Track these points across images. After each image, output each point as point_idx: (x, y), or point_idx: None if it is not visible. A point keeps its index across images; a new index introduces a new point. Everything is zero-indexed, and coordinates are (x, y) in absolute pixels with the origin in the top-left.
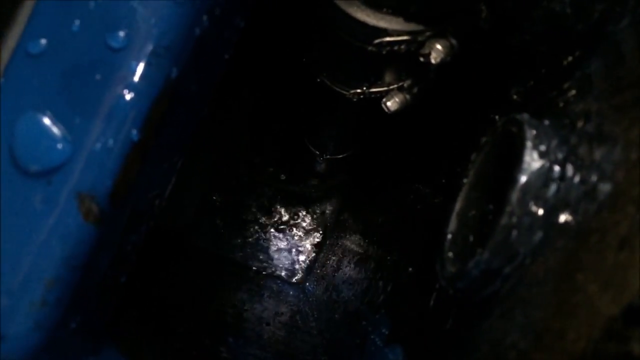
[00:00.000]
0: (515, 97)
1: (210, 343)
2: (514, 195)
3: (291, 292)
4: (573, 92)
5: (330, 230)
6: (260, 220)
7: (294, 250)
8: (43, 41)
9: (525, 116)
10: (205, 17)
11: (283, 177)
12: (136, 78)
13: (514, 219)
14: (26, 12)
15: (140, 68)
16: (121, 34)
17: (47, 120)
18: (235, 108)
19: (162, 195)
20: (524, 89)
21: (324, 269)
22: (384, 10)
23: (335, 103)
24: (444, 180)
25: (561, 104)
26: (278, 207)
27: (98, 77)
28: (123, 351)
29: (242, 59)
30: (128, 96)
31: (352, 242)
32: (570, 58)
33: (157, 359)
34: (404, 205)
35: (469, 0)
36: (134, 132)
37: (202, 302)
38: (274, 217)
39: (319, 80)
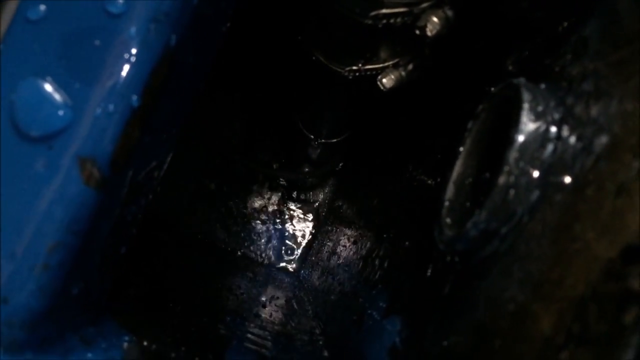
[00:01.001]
0: (510, 67)
1: (208, 321)
2: (511, 155)
3: (286, 280)
4: (569, 56)
5: (325, 217)
6: (254, 208)
7: (288, 238)
8: (42, 7)
9: (522, 80)
10: None
11: (276, 165)
12: (135, 44)
13: (512, 179)
14: None
15: (140, 34)
16: (120, 1)
17: (47, 86)
18: (229, 91)
19: (161, 168)
20: (519, 59)
21: (319, 255)
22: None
23: (330, 82)
24: (439, 157)
25: (557, 69)
26: (272, 194)
27: (97, 43)
28: (121, 324)
29: (235, 39)
30: (128, 62)
31: (346, 226)
32: (565, 23)
33: (155, 333)
34: (399, 185)
35: None
36: (134, 97)
37: (198, 285)
38: (268, 205)
39: (314, 58)
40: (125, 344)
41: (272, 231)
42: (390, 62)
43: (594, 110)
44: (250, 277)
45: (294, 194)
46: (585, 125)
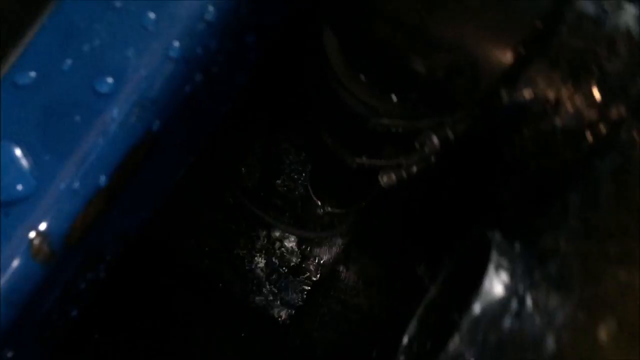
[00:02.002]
0: (501, 198)
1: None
2: (465, 323)
3: (271, 337)
4: (549, 220)
5: (324, 279)
6: (253, 255)
7: (281, 293)
8: (32, 74)
9: (496, 237)
10: (199, 75)
11: (281, 217)
12: (115, 125)
13: (462, 347)
14: (21, 43)
15: (121, 116)
16: (109, 80)
17: (18, 151)
18: (243, 143)
19: (129, 235)
20: (510, 196)
21: (308, 318)
22: (385, 92)
23: (336, 163)
24: (440, 251)
25: (536, 229)
26: (275, 245)
27: (77, 118)
28: None
29: (248, 105)
30: (103, 142)
31: (344, 294)
32: (555, 183)
33: None
34: (400, 268)
35: (468, 100)
36: (102, 178)
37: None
38: (270, 255)
39: (322, 139)
40: None
41: (266, 284)
42: (393, 162)
43: (552, 302)
44: (234, 326)
45: (296, 250)
46: (542, 315)
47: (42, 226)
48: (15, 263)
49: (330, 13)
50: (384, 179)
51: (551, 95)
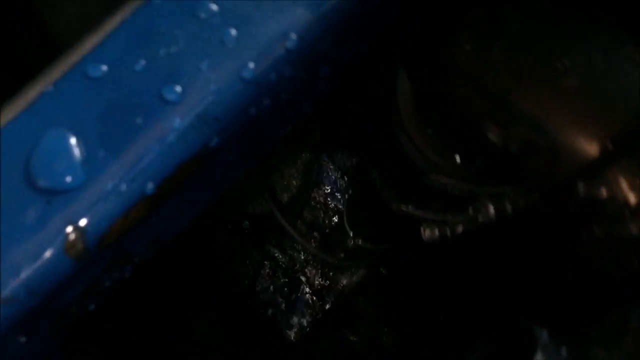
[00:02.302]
0: (551, 290)
1: None
2: None
3: (276, 352)
4: (604, 333)
5: (338, 305)
6: (273, 270)
7: (293, 311)
8: (104, 67)
9: (543, 335)
10: (267, 100)
11: (315, 236)
12: (173, 135)
13: None
14: (99, 35)
15: (182, 127)
16: (178, 89)
17: (73, 142)
18: (288, 154)
19: (162, 241)
20: (563, 291)
21: (316, 340)
22: (450, 150)
23: (379, 203)
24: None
25: (588, 338)
26: (296, 263)
27: (139, 120)
28: None
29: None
30: (158, 149)
31: (355, 323)
32: (617, 293)
33: None
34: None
35: (537, 181)
36: (150, 185)
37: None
38: (289, 273)
39: (370, 175)
40: None
41: (280, 295)
42: (440, 217)
43: None
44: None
45: (317, 270)
46: None
47: (82, 222)
48: (47, 253)
49: (410, 58)
50: (426, 232)
51: (633, 199)
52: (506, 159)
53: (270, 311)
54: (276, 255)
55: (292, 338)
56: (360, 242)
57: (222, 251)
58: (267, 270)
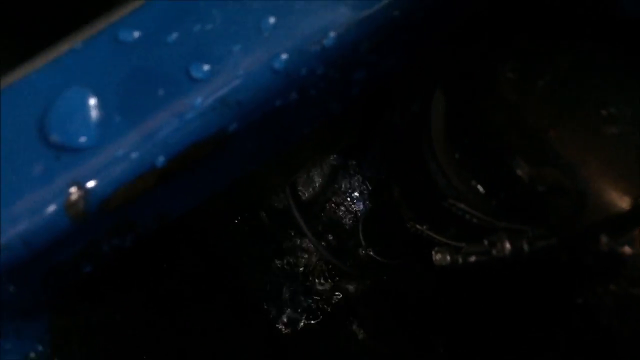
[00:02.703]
0: (557, 339)
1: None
2: None
3: (269, 344)
4: None
5: (338, 311)
6: (279, 266)
7: (293, 308)
8: (136, 34)
9: None
10: (294, 94)
11: (328, 240)
12: (193, 113)
13: None
14: (138, 1)
15: (203, 107)
16: (206, 67)
17: (93, 102)
18: (313, 155)
19: (167, 217)
20: (568, 343)
21: (311, 341)
22: (474, 179)
23: (394, 217)
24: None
25: None
26: (304, 263)
27: (161, 92)
28: (51, 332)
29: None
30: (175, 125)
31: (353, 330)
32: (628, 355)
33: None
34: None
35: (560, 225)
36: (161, 159)
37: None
38: (295, 271)
39: (390, 189)
40: (32, 354)
41: (282, 291)
42: (453, 243)
43: None
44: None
45: (324, 274)
46: None
47: (87, 184)
48: (48, 209)
49: (450, 79)
50: (437, 256)
51: None
52: (531, 198)
53: (268, 305)
54: (285, 250)
55: (284, 334)
56: (371, 252)
57: (231, 237)
58: (273, 264)
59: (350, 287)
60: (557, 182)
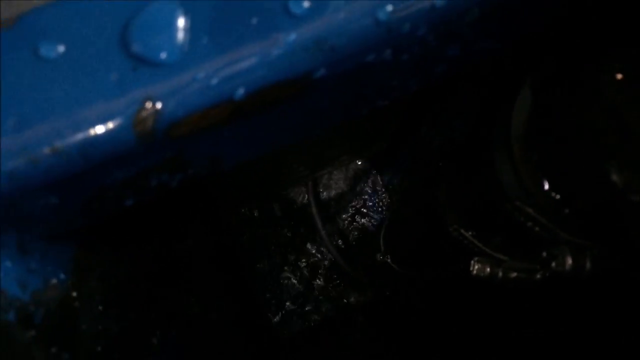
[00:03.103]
0: None
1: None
2: None
3: (263, 338)
4: None
5: (338, 316)
6: (287, 259)
7: (293, 307)
8: None
9: None
10: (388, 51)
11: (341, 242)
12: (283, 49)
13: None
14: None
15: (294, 45)
16: (306, 4)
17: (182, 19)
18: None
19: (222, 164)
20: None
21: (306, 342)
22: (551, 183)
23: (429, 221)
24: None
25: None
26: (312, 263)
27: (254, 21)
28: (77, 262)
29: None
30: (261, 58)
31: (349, 337)
32: None
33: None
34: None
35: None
36: (241, 91)
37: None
38: (301, 268)
39: (431, 191)
40: (54, 280)
41: (285, 287)
42: (499, 256)
43: None
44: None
45: (331, 275)
46: None
47: (160, 102)
48: (115, 121)
49: (540, 78)
50: (476, 266)
51: None
52: (612, 212)
53: (268, 296)
54: (295, 247)
55: (283, 332)
56: (389, 260)
57: (243, 221)
58: (279, 255)
59: (355, 294)
60: None
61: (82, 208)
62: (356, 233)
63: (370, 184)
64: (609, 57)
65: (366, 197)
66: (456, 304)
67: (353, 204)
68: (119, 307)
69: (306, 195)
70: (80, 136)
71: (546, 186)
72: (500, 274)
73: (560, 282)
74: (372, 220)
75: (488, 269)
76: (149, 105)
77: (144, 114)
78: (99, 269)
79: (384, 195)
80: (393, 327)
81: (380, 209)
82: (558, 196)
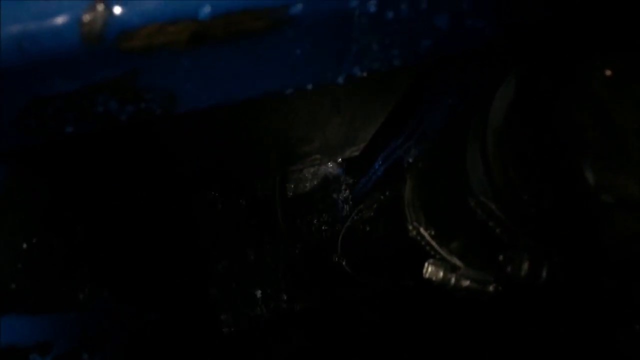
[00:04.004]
0: None
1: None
2: None
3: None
4: None
5: (280, 310)
6: (241, 250)
7: (265, 305)
8: None
9: None
10: (374, 1)
11: (300, 239)
12: None
13: None
14: None
15: None
16: None
17: None
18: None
19: (178, 107)
20: None
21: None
22: (519, 182)
23: (391, 217)
24: None
25: None
26: (272, 254)
27: None
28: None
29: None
30: None
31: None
32: None
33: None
34: None
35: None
36: (207, 10)
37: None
38: (257, 263)
39: (396, 185)
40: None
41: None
42: (455, 262)
43: None
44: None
45: (287, 276)
46: None
47: (113, 4)
48: (60, 16)
49: (526, 69)
50: (429, 269)
51: None
52: (591, 208)
53: (218, 287)
54: (254, 236)
55: (225, 328)
56: (344, 263)
57: (205, 200)
58: (236, 244)
59: (305, 295)
60: (630, 196)
61: (16, 121)
62: (317, 232)
63: (338, 186)
64: (603, 55)
65: (332, 198)
66: (406, 315)
67: (318, 203)
68: (46, 249)
69: (273, 188)
70: (19, 27)
71: (515, 182)
72: (453, 280)
73: (512, 297)
74: (335, 222)
75: (441, 274)
76: (100, 6)
77: (93, 14)
78: (31, 204)
79: (350, 198)
80: (336, 334)
81: (344, 212)
82: (526, 194)
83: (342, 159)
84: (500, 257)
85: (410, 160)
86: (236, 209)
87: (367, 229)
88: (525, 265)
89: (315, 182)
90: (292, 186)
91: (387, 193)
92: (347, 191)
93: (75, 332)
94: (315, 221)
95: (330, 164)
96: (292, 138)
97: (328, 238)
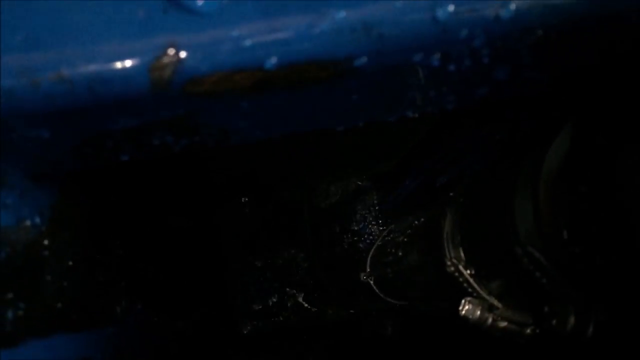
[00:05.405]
0: None
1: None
2: None
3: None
4: None
5: (309, 323)
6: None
7: (272, 312)
8: None
9: None
10: (437, 56)
11: (327, 254)
12: (329, 27)
13: None
14: None
15: (341, 24)
16: None
17: None
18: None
19: (229, 141)
20: None
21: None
22: (567, 234)
23: (428, 251)
24: None
25: None
26: (291, 270)
27: None
28: (56, 204)
29: None
30: (306, 32)
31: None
32: None
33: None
34: None
35: None
36: (273, 61)
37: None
38: (280, 275)
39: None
40: (27, 222)
41: (266, 289)
42: (493, 302)
43: None
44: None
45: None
46: None
47: (185, 52)
48: (132, 60)
49: (586, 118)
50: (466, 306)
51: None
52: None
53: (242, 296)
54: (280, 248)
55: (244, 329)
56: (371, 281)
57: (234, 209)
58: (262, 255)
59: (329, 311)
60: None
61: (75, 150)
62: (344, 248)
63: (368, 203)
64: None
65: (362, 214)
66: (432, 342)
67: (347, 219)
68: (89, 266)
69: (301, 201)
70: (91, 68)
71: (565, 236)
72: (490, 320)
73: (551, 343)
74: (363, 239)
75: (478, 312)
76: (171, 52)
77: (164, 60)
78: (78, 223)
79: (380, 216)
80: (358, 352)
81: (374, 230)
82: (578, 249)
83: (371, 175)
84: (546, 309)
85: (443, 182)
86: (263, 219)
87: (400, 253)
88: (572, 319)
89: (345, 196)
90: (321, 199)
91: (422, 220)
92: (377, 207)
93: (111, 345)
94: (343, 235)
95: (361, 178)
96: (325, 152)
97: (356, 254)
